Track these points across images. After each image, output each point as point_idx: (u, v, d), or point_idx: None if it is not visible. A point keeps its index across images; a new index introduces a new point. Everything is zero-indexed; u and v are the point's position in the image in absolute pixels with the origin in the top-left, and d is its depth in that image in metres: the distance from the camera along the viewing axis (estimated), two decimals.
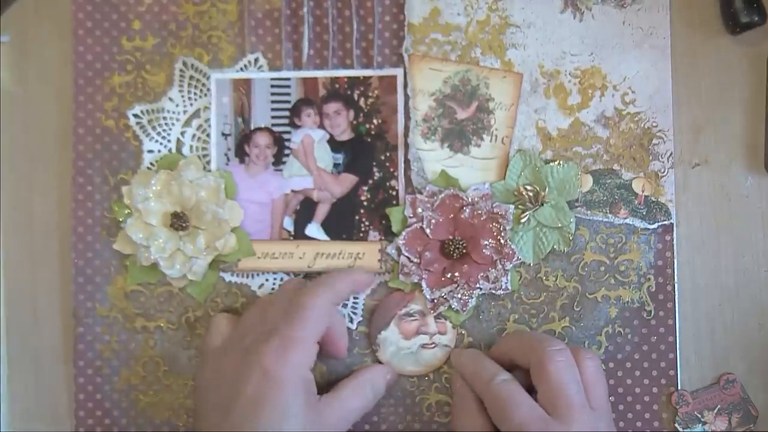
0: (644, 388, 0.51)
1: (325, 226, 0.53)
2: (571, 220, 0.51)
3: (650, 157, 0.51)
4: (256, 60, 0.53)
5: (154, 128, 0.54)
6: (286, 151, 0.54)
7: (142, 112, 0.54)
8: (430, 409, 0.53)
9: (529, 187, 0.51)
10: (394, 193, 0.53)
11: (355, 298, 0.53)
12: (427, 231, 0.51)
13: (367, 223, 0.53)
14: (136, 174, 0.53)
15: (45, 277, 0.55)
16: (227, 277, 0.53)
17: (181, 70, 0.54)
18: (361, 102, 0.53)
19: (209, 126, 0.54)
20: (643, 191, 0.51)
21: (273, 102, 0.54)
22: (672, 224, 0.51)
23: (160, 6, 0.54)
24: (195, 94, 0.54)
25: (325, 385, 0.52)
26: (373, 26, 0.53)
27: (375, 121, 0.53)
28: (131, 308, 0.54)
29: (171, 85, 0.54)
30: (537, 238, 0.52)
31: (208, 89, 0.54)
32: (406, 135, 0.52)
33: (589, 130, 0.52)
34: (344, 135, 0.53)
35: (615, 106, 0.52)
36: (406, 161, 0.52)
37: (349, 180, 0.53)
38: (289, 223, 0.53)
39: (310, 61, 0.53)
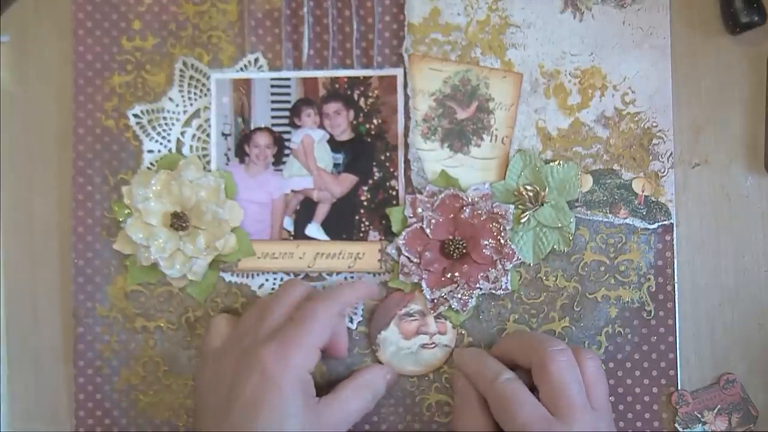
0: (644, 388, 0.51)
1: (325, 226, 0.53)
2: (571, 220, 0.51)
3: (650, 157, 0.51)
4: (256, 60, 0.53)
5: (154, 128, 0.54)
6: (286, 151, 0.54)
7: (142, 112, 0.54)
8: (430, 409, 0.53)
9: (529, 187, 0.51)
10: (394, 193, 0.53)
11: None
12: (427, 231, 0.51)
13: (367, 223, 0.53)
14: (136, 174, 0.53)
15: (45, 277, 0.55)
16: (227, 277, 0.53)
17: (181, 70, 0.54)
18: (361, 102, 0.53)
19: (209, 126, 0.54)
20: (643, 191, 0.51)
21: (273, 102, 0.54)
22: (672, 224, 0.51)
23: (160, 6, 0.54)
24: (195, 94, 0.54)
25: (326, 386, 0.52)
26: (373, 26, 0.53)
27: (375, 121, 0.53)
28: (131, 308, 0.54)
29: (171, 85, 0.54)
30: (537, 238, 0.52)
31: (208, 89, 0.54)
32: (406, 135, 0.52)
33: (589, 130, 0.52)
34: (344, 135, 0.53)
35: (615, 106, 0.52)
36: (406, 161, 0.52)
37: (349, 180, 0.53)
38: (289, 223, 0.53)
39: (310, 61, 0.53)
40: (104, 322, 0.54)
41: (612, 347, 0.51)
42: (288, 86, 0.53)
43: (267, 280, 0.53)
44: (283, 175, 0.54)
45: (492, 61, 0.52)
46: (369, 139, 0.53)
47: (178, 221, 0.52)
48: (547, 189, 0.51)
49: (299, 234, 0.53)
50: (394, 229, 0.52)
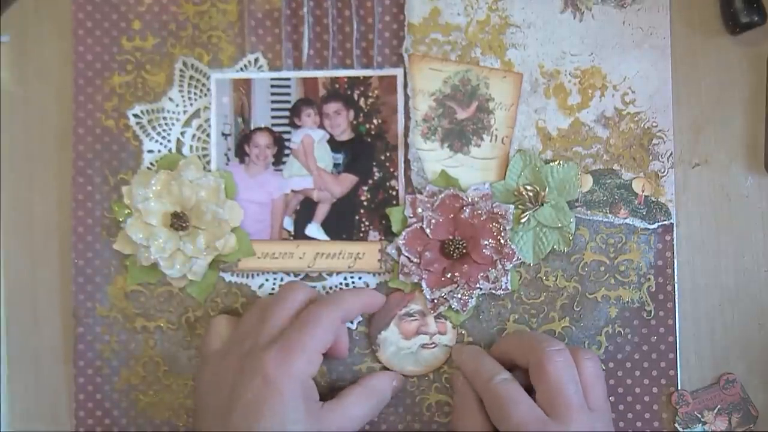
0: (644, 388, 0.51)
1: (325, 226, 0.53)
2: (571, 220, 0.51)
3: (650, 157, 0.51)
4: (256, 60, 0.53)
5: (154, 128, 0.54)
6: (286, 151, 0.54)
7: (142, 112, 0.54)
8: (430, 409, 0.53)
9: (529, 187, 0.51)
10: (394, 193, 0.53)
11: None
12: (427, 231, 0.51)
13: (367, 223, 0.53)
14: (136, 174, 0.53)
15: (45, 277, 0.55)
16: (227, 277, 0.53)
17: (181, 70, 0.54)
18: (361, 102, 0.53)
19: (209, 126, 0.54)
20: (643, 191, 0.51)
21: (273, 102, 0.54)
22: (672, 224, 0.51)
23: (160, 6, 0.54)
24: (195, 94, 0.54)
25: (327, 387, 0.52)
26: (373, 26, 0.53)
27: (375, 121, 0.53)
28: (131, 308, 0.54)
29: (171, 85, 0.54)
30: (537, 238, 0.52)
31: (208, 89, 0.54)
32: (406, 135, 0.52)
33: (589, 130, 0.52)
34: (344, 135, 0.53)
35: (615, 106, 0.52)
36: (406, 161, 0.52)
37: (349, 180, 0.53)
38: (289, 223, 0.53)
39: (310, 61, 0.53)
40: (104, 322, 0.54)
41: (612, 347, 0.51)
42: (288, 86, 0.53)
43: (267, 280, 0.53)
44: (283, 175, 0.54)
45: (492, 61, 0.52)
46: (369, 139, 0.53)
47: (178, 221, 0.52)
48: (547, 189, 0.51)
49: (299, 234, 0.53)
50: (394, 229, 0.52)
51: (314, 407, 0.46)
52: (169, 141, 0.54)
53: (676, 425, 0.51)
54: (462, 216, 0.51)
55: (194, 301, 0.54)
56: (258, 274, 0.53)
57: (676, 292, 0.51)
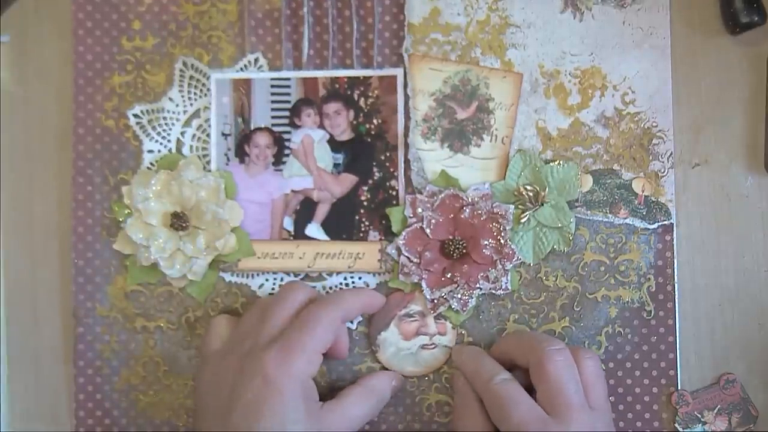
0: (644, 388, 0.51)
1: (325, 226, 0.53)
2: (571, 220, 0.51)
3: (650, 157, 0.51)
4: (256, 60, 0.53)
5: (154, 128, 0.54)
6: (286, 151, 0.54)
7: (142, 112, 0.54)
8: (430, 409, 0.53)
9: (529, 187, 0.51)
10: (394, 193, 0.53)
11: None
12: (427, 231, 0.51)
13: (367, 223, 0.53)
14: (136, 174, 0.53)
15: (45, 277, 0.55)
16: (227, 277, 0.53)
17: (181, 70, 0.54)
18: (361, 102, 0.53)
19: (209, 126, 0.54)
20: (643, 191, 0.51)
21: (273, 102, 0.54)
22: (672, 224, 0.51)
23: (160, 6, 0.54)
24: (195, 94, 0.54)
25: (327, 387, 0.52)
26: (373, 26, 0.53)
27: (375, 121, 0.53)
28: (131, 308, 0.54)
29: (171, 85, 0.54)
30: (537, 238, 0.52)
31: (208, 89, 0.54)
32: (406, 135, 0.52)
33: (589, 130, 0.52)
34: (344, 135, 0.53)
35: (615, 106, 0.52)
36: (406, 161, 0.52)
37: (349, 180, 0.53)
38: (289, 223, 0.53)
39: (310, 61, 0.53)
40: (104, 322, 0.54)
41: (612, 347, 0.51)
42: (288, 86, 0.53)
43: (267, 280, 0.53)
44: (283, 175, 0.54)
45: (492, 61, 0.52)
46: (369, 139, 0.53)
47: (178, 221, 0.52)
48: (547, 189, 0.51)
49: (299, 234, 0.53)
50: (394, 229, 0.52)
51: (314, 407, 0.46)
52: (169, 141, 0.54)
53: (676, 425, 0.51)
54: (462, 216, 0.51)
55: (194, 301, 0.54)
56: (258, 274, 0.53)
57: (676, 292, 0.51)
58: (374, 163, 0.53)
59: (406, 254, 0.51)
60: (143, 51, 0.54)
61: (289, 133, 0.54)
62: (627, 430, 0.51)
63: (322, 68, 0.53)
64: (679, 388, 0.51)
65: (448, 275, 0.51)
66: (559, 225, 0.51)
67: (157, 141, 0.54)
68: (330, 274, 0.53)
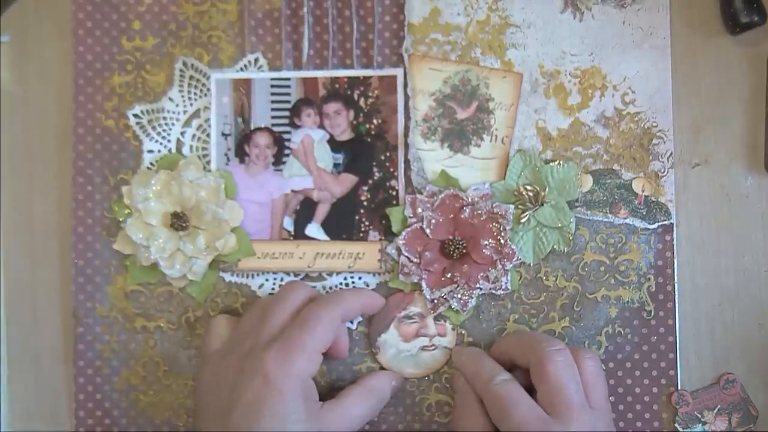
0: (644, 388, 0.51)
1: (325, 226, 0.53)
2: (571, 220, 0.51)
3: (650, 157, 0.51)
4: (256, 60, 0.53)
5: (154, 128, 0.54)
6: (286, 151, 0.54)
7: (142, 112, 0.54)
8: (430, 409, 0.53)
9: (529, 187, 0.51)
10: (394, 193, 0.53)
11: None
12: (427, 231, 0.51)
13: (367, 223, 0.53)
14: (136, 174, 0.53)
15: (45, 277, 0.55)
16: (227, 277, 0.53)
17: (181, 70, 0.54)
18: (361, 102, 0.53)
19: (209, 126, 0.54)
20: (643, 191, 0.51)
21: (273, 102, 0.54)
22: (672, 224, 0.51)
23: (160, 6, 0.54)
24: (195, 94, 0.54)
25: (327, 387, 0.52)
26: (373, 26, 0.53)
27: (375, 121, 0.53)
28: (131, 308, 0.54)
29: (171, 85, 0.54)
30: (537, 238, 0.52)
31: (208, 89, 0.54)
32: (406, 135, 0.52)
33: (589, 130, 0.52)
34: (344, 135, 0.53)
35: (615, 106, 0.52)
36: (406, 161, 0.52)
37: (349, 180, 0.53)
38: (289, 223, 0.53)
39: (310, 61, 0.53)
40: (104, 322, 0.54)
41: (612, 347, 0.51)
42: (288, 86, 0.53)
43: (267, 280, 0.53)
44: (283, 175, 0.54)
45: (492, 61, 0.52)
46: (369, 139, 0.53)
47: (178, 221, 0.52)
48: (547, 189, 0.51)
49: (299, 234, 0.53)
50: (394, 229, 0.52)
51: (314, 407, 0.46)
52: (169, 141, 0.54)
53: (676, 425, 0.51)
54: (462, 216, 0.51)
55: (194, 301, 0.54)
56: (258, 274, 0.53)
57: (676, 292, 0.51)
58: (374, 163, 0.53)
59: (406, 254, 0.51)
60: (143, 51, 0.54)
61: (289, 133, 0.54)
62: (627, 430, 0.51)
63: (322, 68, 0.53)
64: (679, 388, 0.51)
65: (448, 275, 0.51)
66: (559, 225, 0.51)
67: (157, 141, 0.54)
68: (330, 274, 0.53)
